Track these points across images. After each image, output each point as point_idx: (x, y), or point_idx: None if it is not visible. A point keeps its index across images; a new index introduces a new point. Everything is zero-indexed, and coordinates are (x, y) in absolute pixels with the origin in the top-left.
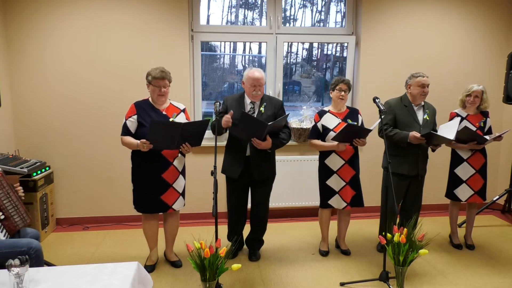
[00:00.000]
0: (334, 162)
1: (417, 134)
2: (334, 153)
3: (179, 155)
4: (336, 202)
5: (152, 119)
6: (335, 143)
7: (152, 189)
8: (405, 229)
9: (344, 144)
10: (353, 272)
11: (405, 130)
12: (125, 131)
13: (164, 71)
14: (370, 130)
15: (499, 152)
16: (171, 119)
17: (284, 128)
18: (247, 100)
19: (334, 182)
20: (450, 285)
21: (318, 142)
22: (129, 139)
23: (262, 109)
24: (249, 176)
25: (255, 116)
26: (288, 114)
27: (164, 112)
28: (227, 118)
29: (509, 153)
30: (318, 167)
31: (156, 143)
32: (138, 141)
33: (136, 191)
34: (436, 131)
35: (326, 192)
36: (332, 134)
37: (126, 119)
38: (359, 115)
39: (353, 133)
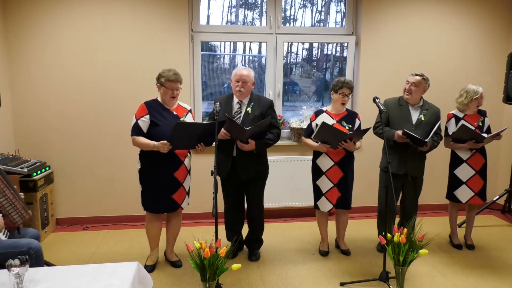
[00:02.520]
0: (324, 162)
1: (400, 132)
2: (325, 154)
3: (188, 154)
4: (322, 204)
5: (178, 121)
6: (319, 143)
7: (164, 188)
8: (405, 229)
9: (325, 146)
10: (353, 272)
11: (397, 129)
12: (137, 131)
13: (177, 73)
14: (346, 134)
15: (499, 152)
16: (182, 119)
17: (273, 128)
18: (235, 100)
19: (322, 183)
20: (450, 285)
21: (308, 140)
22: (144, 139)
23: (249, 109)
24: (237, 175)
25: (241, 116)
26: (269, 118)
27: (175, 112)
28: (223, 133)
29: (509, 153)
30: (311, 166)
31: (177, 144)
32: (155, 142)
33: (146, 192)
34: (439, 132)
35: (315, 193)
36: None
37: (137, 119)
38: (357, 119)
39: (330, 133)
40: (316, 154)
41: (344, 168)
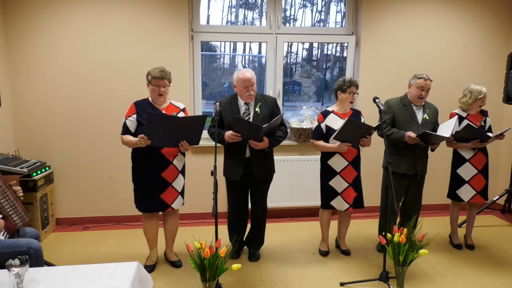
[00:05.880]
0: (338, 163)
1: (412, 134)
2: (338, 154)
3: (179, 154)
4: (338, 203)
5: (149, 111)
6: (337, 144)
7: (151, 188)
8: (405, 229)
9: (346, 145)
10: (353, 272)
11: (404, 130)
12: (125, 130)
13: (164, 70)
14: (372, 127)
15: (499, 152)
16: None
17: (280, 125)
18: (241, 102)
19: (337, 183)
20: (450, 285)
21: (320, 143)
22: (128, 137)
23: (257, 109)
24: (250, 176)
25: (251, 117)
26: (282, 114)
27: (163, 112)
28: (232, 135)
29: (509, 153)
30: (320, 167)
31: (154, 137)
32: (137, 138)
33: (136, 191)
34: (436, 131)
35: (328, 193)
36: None
37: (126, 118)
38: (361, 116)
39: (354, 129)
40: (327, 155)
41: (357, 167)
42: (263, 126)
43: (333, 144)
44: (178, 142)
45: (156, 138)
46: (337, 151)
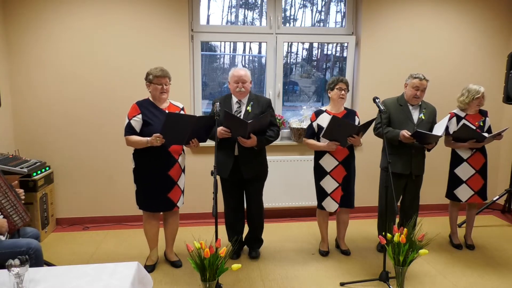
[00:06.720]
0: (328, 162)
1: (407, 133)
2: (328, 153)
3: (182, 152)
4: (327, 205)
5: (168, 112)
6: (327, 142)
7: (158, 187)
8: (405, 229)
9: (334, 143)
10: (353, 272)
11: (399, 129)
12: (130, 130)
13: (164, 70)
14: (357, 126)
15: (499, 152)
16: None
17: (272, 126)
18: (234, 100)
19: (327, 183)
20: (450, 285)
21: (311, 141)
22: (137, 137)
23: (249, 108)
24: (240, 175)
25: (241, 115)
26: (270, 112)
27: (166, 111)
28: (222, 131)
29: (509, 153)
30: (313, 167)
31: (169, 137)
32: (148, 138)
33: (140, 191)
34: (432, 131)
35: (319, 194)
36: None
37: (129, 119)
38: (356, 116)
39: (340, 128)
40: (319, 154)
41: (347, 167)
42: (249, 121)
43: (323, 143)
44: (189, 140)
45: (171, 137)
46: (326, 149)
